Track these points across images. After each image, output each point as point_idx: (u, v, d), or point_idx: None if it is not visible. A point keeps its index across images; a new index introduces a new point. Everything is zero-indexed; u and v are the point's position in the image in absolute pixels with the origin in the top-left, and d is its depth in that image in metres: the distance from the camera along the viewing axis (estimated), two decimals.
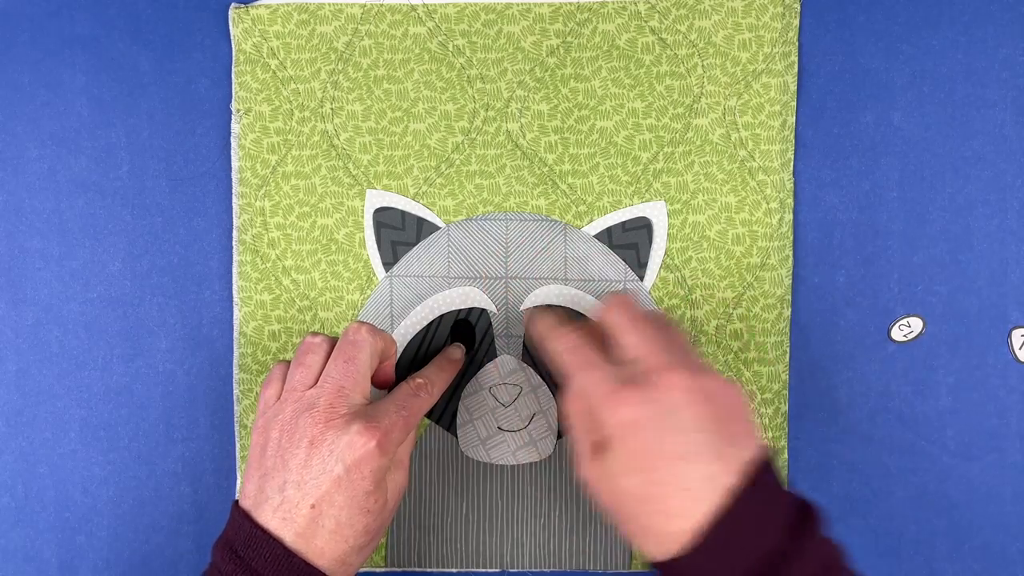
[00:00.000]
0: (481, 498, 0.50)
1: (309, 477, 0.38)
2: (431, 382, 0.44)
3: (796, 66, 0.48)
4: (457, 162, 0.49)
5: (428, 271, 0.49)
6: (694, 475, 0.35)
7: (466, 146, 0.49)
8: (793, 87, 0.48)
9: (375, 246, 0.49)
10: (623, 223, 0.49)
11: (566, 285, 0.49)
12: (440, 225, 0.49)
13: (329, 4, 0.48)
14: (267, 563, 0.38)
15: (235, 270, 0.49)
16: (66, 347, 0.50)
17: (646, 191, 0.48)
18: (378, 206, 0.49)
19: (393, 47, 0.48)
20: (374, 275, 0.49)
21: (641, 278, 0.49)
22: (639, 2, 0.48)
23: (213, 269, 0.50)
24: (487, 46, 0.48)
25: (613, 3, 0.48)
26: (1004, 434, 0.49)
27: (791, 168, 0.48)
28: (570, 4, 0.48)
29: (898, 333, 0.49)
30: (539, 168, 0.49)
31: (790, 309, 0.49)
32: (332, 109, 0.49)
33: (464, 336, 0.49)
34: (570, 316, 0.47)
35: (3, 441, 0.50)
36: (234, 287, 0.49)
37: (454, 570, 0.50)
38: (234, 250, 0.49)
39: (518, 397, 0.49)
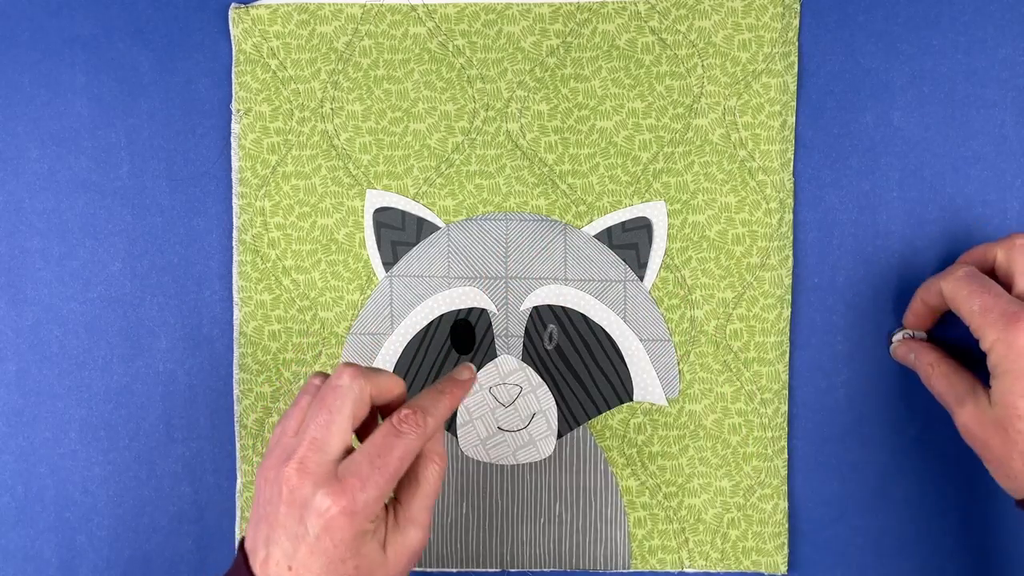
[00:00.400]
0: (481, 498, 0.50)
1: (285, 538, 0.36)
2: (424, 410, 0.39)
3: (796, 66, 0.48)
4: (457, 162, 0.49)
5: (428, 271, 0.49)
6: None
7: (466, 146, 0.49)
8: (793, 87, 0.48)
9: (375, 246, 0.49)
10: (623, 223, 0.49)
11: (566, 285, 0.49)
12: (440, 225, 0.49)
13: (329, 4, 0.48)
14: None
15: (235, 270, 0.49)
16: (66, 347, 0.50)
17: (646, 191, 0.48)
18: (378, 206, 0.49)
19: (393, 47, 0.48)
20: (374, 275, 0.49)
21: (641, 278, 0.49)
22: (639, 2, 0.48)
23: (213, 269, 0.50)
24: (487, 46, 0.48)
25: (613, 3, 0.48)
26: None
27: (791, 168, 0.48)
28: (570, 4, 0.48)
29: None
30: (539, 168, 0.49)
31: (790, 309, 0.49)
32: (332, 109, 0.49)
33: (464, 336, 0.49)
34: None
35: (3, 441, 0.50)
36: (234, 287, 0.49)
37: (454, 570, 0.50)
38: (234, 250, 0.49)
39: (518, 397, 0.49)
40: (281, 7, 0.48)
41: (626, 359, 0.49)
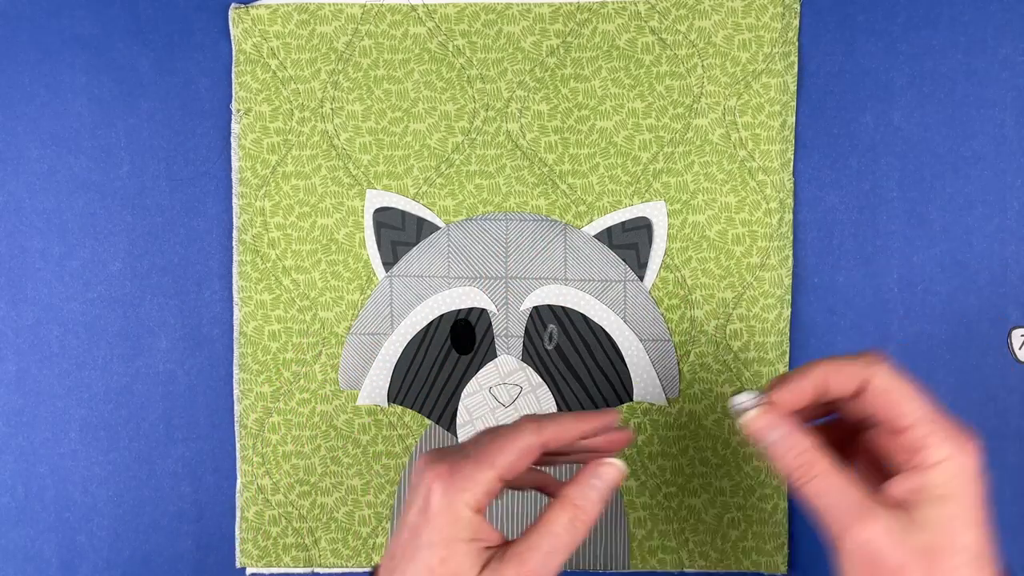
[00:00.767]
0: None
1: None
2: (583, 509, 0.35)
3: (796, 66, 0.48)
4: (457, 162, 0.49)
5: (428, 271, 0.49)
6: None
7: (466, 146, 0.49)
8: (793, 87, 0.48)
9: (375, 246, 0.49)
10: (623, 223, 0.49)
11: (566, 285, 0.49)
12: (440, 225, 0.49)
13: (329, 4, 0.48)
14: None
15: (235, 270, 0.49)
16: (66, 347, 0.50)
17: (646, 191, 0.48)
18: (378, 206, 0.49)
19: (393, 47, 0.48)
20: (374, 275, 0.49)
21: (641, 278, 0.49)
22: (639, 2, 0.48)
23: (213, 269, 0.50)
24: (487, 46, 0.48)
25: (613, 3, 0.48)
26: (1004, 434, 0.49)
27: (791, 168, 0.48)
28: (570, 4, 0.48)
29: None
30: (539, 168, 0.49)
31: (790, 309, 0.49)
32: (332, 109, 0.49)
33: (464, 336, 0.49)
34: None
35: (3, 441, 0.50)
36: (234, 287, 0.49)
37: None
38: (234, 250, 0.49)
39: (518, 397, 0.49)
40: (281, 7, 0.48)
41: (626, 359, 0.49)
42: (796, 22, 0.48)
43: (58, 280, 0.50)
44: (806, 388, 0.36)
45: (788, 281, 0.49)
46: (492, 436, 0.35)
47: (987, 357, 0.49)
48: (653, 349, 0.49)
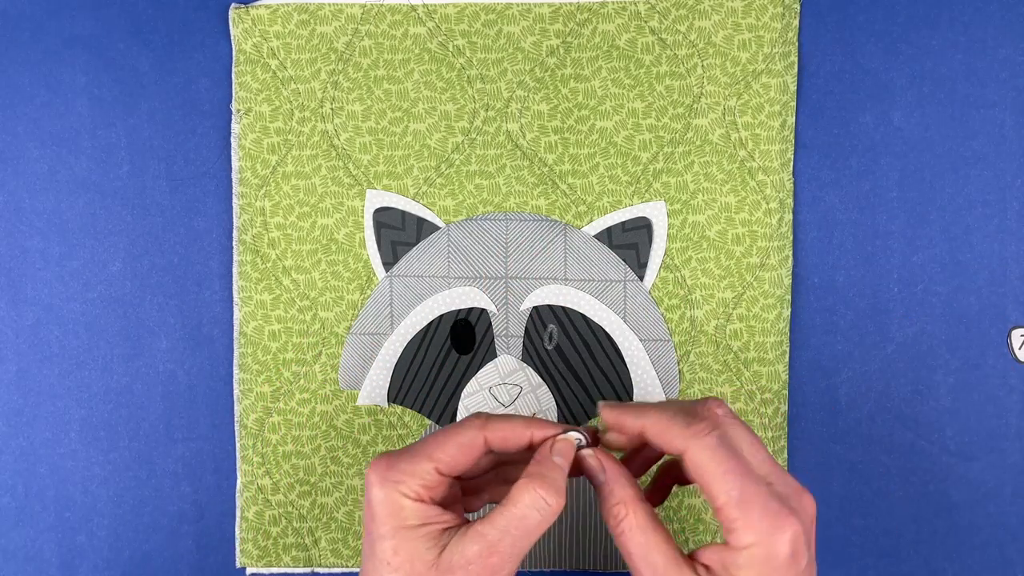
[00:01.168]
0: None
1: None
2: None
3: (796, 66, 0.48)
4: (457, 162, 0.49)
5: (428, 271, 0.49)
6: None
7: (466, 146, 0.49)
8: (793, 87, 0.48)
9: (375, 246, 0.49)
10: (623, 223, 0.49)
11: (566, 285, 0.49)
12: (440, 225, 0.49)
13: (329, 4, 0.48)
14: None
15: (235, 270, 0.49)
16: (66, 347, 0.50)
17: (646, 191, 0.48)
18: (378, 206, 0.49)
19: (393, 47, 0.48)
20: (374, 275, 0.49)
21: (641, 278, 0.49)
22: (639, 2, 0.48)
23: (213, 269, 0.50)
24: (487, 46, 0.48)
25: (613, 3, 0.48)
26: (1004, 434, 0.49)
27: (791, 168, 0.48)
28: (570, 4, 0.48)
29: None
30: (539, 168, 0.49)
31: (790, 309, 0.49)
32: (332, 109, 0.49)
33: (464, 336, 0.49)
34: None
35: (3, 441, 0.50)
36: (234, 287, 0.49)
37: None
38: (234, 250, 0.49)
39: (518, 397, 0.49)
40: (281, 7, 0.48)
41: (626, 359, 0.49)
42: (796, 22, 0.48)
43: (58, 280, 0.50)
44: (633, 434, 0.37)
45: (788, 281, 0.49)
46: (439, 431, 0.37)
47: (987, 357, 0.49)
48: (653, 349, 0.49)
